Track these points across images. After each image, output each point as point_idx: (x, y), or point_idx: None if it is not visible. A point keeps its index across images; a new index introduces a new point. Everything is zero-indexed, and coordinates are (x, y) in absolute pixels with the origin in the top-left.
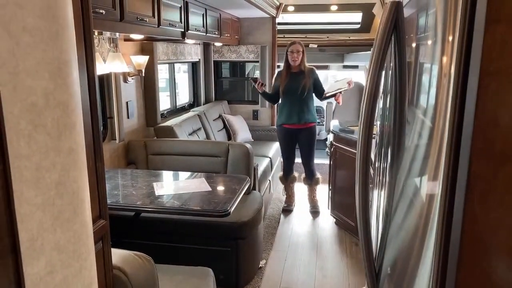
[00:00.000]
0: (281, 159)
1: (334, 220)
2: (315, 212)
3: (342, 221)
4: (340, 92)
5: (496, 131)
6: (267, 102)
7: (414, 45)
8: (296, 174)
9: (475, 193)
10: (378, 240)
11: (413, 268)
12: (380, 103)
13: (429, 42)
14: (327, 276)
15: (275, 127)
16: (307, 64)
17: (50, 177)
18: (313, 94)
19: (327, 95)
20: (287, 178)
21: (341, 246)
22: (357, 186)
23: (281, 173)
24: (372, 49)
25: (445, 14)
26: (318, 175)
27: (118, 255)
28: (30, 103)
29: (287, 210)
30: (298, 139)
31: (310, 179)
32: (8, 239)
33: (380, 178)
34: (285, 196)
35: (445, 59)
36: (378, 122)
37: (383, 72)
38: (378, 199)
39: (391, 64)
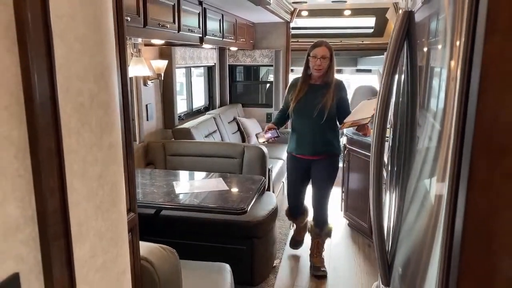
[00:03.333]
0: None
1: (347, 222)
2: (321, 276)
3: (355, 223)
4: (367, 122)
5: (494, 128)
6: (280, 105)
7: (425, 49)
8: (307, 218)
9: (476, 185)
10: (391, 241)
11: (424, 269)
12: (393, 107)
13: (439, 46)
14: (340, 276)
15: (289, 130)
16: (335, 75)
17: (94, 170)
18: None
19: (346, 124)
20: (296, 217)
21: (354, 247)
22: (371, 183)
23: (287, 208)
24: (385, 54)
25: (454, 19)
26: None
27: (145, 247)
28: (79, 104)
29: (296, 242)
30: (311, 172)
31: (319, 227)
32: (62, 224)
33: (394, 181)
34: (293, 228)
35: (453, 63)
36: (390, 126)
37: (396, 77)
38: (391, 201)
39: (404, 68)
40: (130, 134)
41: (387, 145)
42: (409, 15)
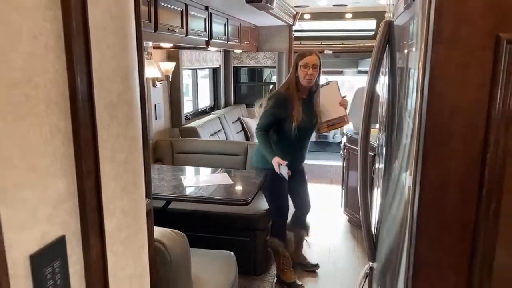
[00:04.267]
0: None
1: (347, 218)
2: (315, 266)
3: (355, 218)
4: (344, 119)
5: (441, 118)
6: None
7: (406, 51)
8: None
9: (428, 162)
10: (376, 227)
11: (400, 259)
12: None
13: (414, 49)
14: (338, 269)
15: None
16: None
17: (120, 157)
18: None
19: (324, 129)
20: (285, 241)
21: (353, 242)
22: (359, 173)
23: (270, 238)
24: (371, 60)
25: (422, 23)
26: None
27: (158, 230)
28: (109, 101)
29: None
30: (294, 178)
31: (304, 228)
32: (96, 200)
33: (382, 177)
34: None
35: (420, 65)
36: (378, 125)
37: (381, 79)
38: (377, 197)
39: (387, 70)
40: (146, 128)
41: (380, 143)
42: (389, 25)
